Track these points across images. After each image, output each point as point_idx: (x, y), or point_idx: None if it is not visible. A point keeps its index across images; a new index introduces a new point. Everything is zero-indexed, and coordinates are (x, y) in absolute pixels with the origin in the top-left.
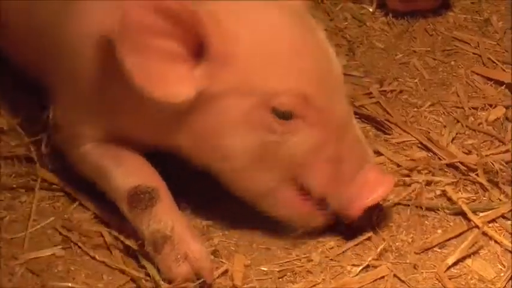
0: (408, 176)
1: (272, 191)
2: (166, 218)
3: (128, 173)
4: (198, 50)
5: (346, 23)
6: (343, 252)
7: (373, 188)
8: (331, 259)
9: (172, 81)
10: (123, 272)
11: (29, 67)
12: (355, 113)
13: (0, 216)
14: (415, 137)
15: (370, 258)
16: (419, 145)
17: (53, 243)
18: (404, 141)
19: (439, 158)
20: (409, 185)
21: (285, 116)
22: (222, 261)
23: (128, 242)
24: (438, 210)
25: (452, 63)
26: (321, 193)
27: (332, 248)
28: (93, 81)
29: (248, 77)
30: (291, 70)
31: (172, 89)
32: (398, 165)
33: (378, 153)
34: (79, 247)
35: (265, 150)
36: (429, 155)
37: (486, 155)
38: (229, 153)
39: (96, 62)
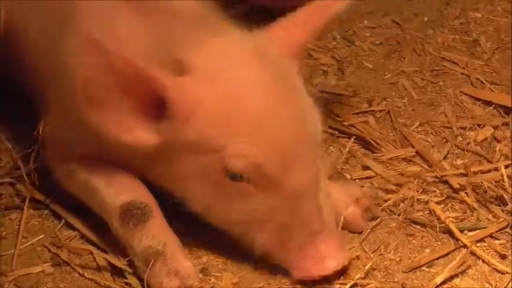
0: (396, 193)
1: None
2: (159, 234)
3: (119, 189)
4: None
5: (335, 43)
6: None
7: (319, 261)
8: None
9: (135, 129)
10: None
11: (25, 80)
12: (344, 132)
13: None
14: (404, 153)
15: (357, 277)
16: (408, 161)
17: (42, 260)
18: (393, 157)
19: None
20: (398, 204)
21: (236, 178)
22: (210, 279)
23: (113, 260)
24: (426, 229)
25: (441, 83)
26: (266, 254)
27: None
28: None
29: (205, 138)
30: (247, 137)
31: (137, 136)
32: (388, 181)
33: (368, 168)
34: (68, 264)
35: (222, 203)
36: (420, 169)
37: (475, 173)
38: (193, 196)
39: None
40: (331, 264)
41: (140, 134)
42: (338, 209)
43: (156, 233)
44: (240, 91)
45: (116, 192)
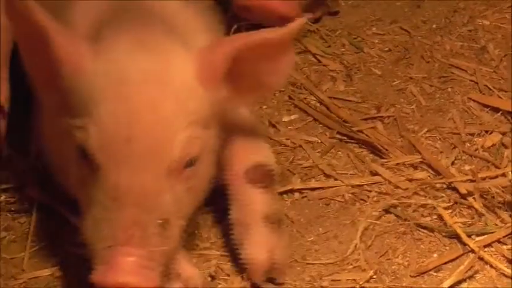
0: (404, 198)
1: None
2: None
3: None
4: None
5: (343, 49)
6: (338, 273)
7: (104, 270)
8: (327, 281)
9: None
10: None
11: None
12: (352, 138)
13: (0, 237)
14: (411, 159)
15: (363, 282)
16: (416, 167)
17: (52, 263)
18: (400, 163)
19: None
20: (406, 209)
21: (80, 153)
22: (219, 283)
23: None
24: (434, 234)
25: (449, 89)
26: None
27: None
28: None
29: (70, 103)
30: (88, 115)
31: None
32: (397, 187)
33: (376, 174)
34: (77, 268)
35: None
36: (428, 175)
37: (482, 179)
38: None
39: None
40: (117, 277)
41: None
42: (247, 247)
43: None
44: (110, 74)
45: None
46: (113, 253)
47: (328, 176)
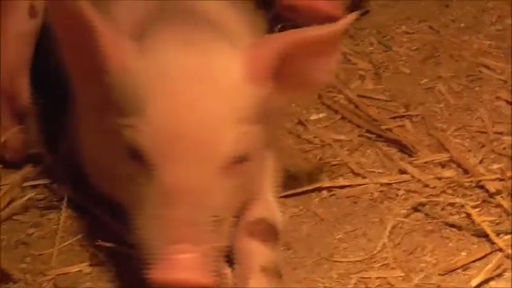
0: (433, 196)
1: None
2: None
3: None
4: None
5: (372, 48)
6: (366, 271)
7: (163, 268)
8: (356, 279)
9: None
10: None
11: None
12: (381, 136)
13: (28, 233)
14: (440, 158)
15: (391, 280)
16: (444, 166)
17: (80, 260)
18: (429, 162)
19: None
20: (434, 207)
21: (129, 153)
22: None
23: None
24: (462, 232)
25: (477, 88)
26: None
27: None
28: None
29: (118, 102)
30: (138, 114)
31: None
32: (425, 185)
33: (404, 172)
34: (106, 264)
35: (122, 176)
36: (456, 174)
37: (511, 178)
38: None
39: None
40: (174, 275)
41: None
42: None
43: None
44: (160, 72)
45: None
46: (170, 251)
47: (356, 174)
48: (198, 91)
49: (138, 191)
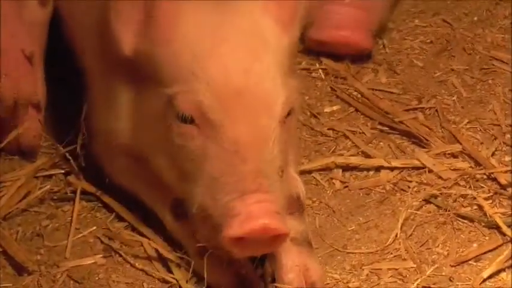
0: (445, 188)
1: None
2: None
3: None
4: None
5: (385, 41)
6: (379, 262)
7: (244, 220)
8: (368, 270)
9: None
10: (163, 280)
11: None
12: (394, 129)
13: (43, 225)
14: (452, 149)
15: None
16: (456, 157)
17: (94, 251)
18: (441, 153)
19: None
20: (446, 199)
21: (182, 118)
22: None
23: (163, 251)
24: (474, 224)
25: (490, 81)
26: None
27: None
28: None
29: (168, 68)
30: (194, 77)
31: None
32: (438, 177)
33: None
34: (120, 255)
35: (170, 147)
36: (469, 166)
37: None
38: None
39: None
40: (254, 223)
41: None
42: (281, 271)
43: None
44: (210, 35)
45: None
46: (246, 202)
47: (369, 167)
48: (249, 48)
49: (193, 155)
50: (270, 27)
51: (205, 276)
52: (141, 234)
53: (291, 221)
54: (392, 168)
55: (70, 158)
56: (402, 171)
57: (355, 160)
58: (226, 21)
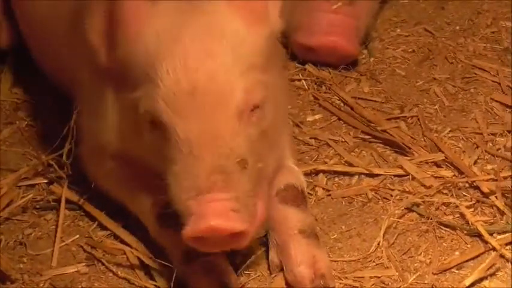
0: (428, 197)
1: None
2: None
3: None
4: None
5: (367, 51)
6: (361, 270)
7: (197, 219)
8: (351, 279)
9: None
10: None
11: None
12: (376, 137)
13: (26, 233)
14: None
15: (385, 279)
16: (438, 166)
17: (77, 260)
18: (423, 162)
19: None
20: (428, 207)
21: (154, 124)
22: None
23: (146, 260)
24: (456, 232)
25: (472, 90)
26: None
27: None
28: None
29: (132, 75)
30: (149, 80)
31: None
32: (420, 185)
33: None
34: (102, 264)
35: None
36: (451, 174)
37: (504, 178)
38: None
39: None
40: (204, 224)
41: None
42: (290, 264)
43: None
44: (165, 35)
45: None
46: (199, 202)
47: (351, 175)
48: (203, 45)
49: (163, 157)
50: (233, 25)
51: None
52: (124, 243)
53: (298, 213)
54: (374, 175)
55: (54, 165)
56: (385, 178)
57: (338, 182)
58: (184, 21)
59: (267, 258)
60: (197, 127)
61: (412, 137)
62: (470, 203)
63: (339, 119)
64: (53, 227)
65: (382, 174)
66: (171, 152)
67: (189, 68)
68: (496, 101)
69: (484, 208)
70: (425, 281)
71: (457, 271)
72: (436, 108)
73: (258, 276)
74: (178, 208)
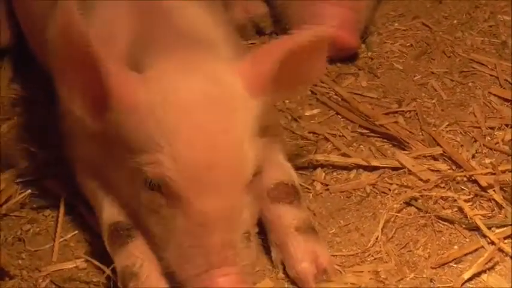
0: (426, 191)
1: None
2: (138, 255)
3: (113, 205)
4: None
5: (365, 45)
6: (360, 265)
7: None
8: (349, 273)
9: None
10: None
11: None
12: (374, 132)
13: (25, 229)
14: (432, 151)
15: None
16: (436, 160)
17: (76, 256)
18: (421, 156)
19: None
20: (427, 201)
21: (150, 186)
22: None
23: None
24: (455, 226)
25: (470, 84)
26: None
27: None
28: None
29: (135, 138)
30: (165, 149)
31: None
32: (418, 179)
33: (398, 165)
34: (101, 260)
35: (142, 211)
36: (449, 168)
37: (503, 172)
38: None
39: None
40: None
41: (86, 115)
42: (292, 262)
43: (135, 254)
44: (174, 104)
45: (110, 209)
46: (211, 277)
47: (349, 169)
48: (216, 117)
49: (162, 222)
50: (239, 91)
51: None
52: None
53: (291, 210)
54: (372, 169)
55: (52, 160)
56: (383, 173)
57: (336, 177)
58: (193, 87)
59: (266, 254)
60: (212, 201)
61: (410, 131)
62: (469, 197)
63: (337, 113)
64: (52, 222)
65: (380, 168)
66: (173, 221)
67: (206, 145)
68: (494, 94)
69: (482, 202)
70: (424, 275)
71: (455, 265)
72: (434, 103)
73: (257, 271)
74: (181, 277)
